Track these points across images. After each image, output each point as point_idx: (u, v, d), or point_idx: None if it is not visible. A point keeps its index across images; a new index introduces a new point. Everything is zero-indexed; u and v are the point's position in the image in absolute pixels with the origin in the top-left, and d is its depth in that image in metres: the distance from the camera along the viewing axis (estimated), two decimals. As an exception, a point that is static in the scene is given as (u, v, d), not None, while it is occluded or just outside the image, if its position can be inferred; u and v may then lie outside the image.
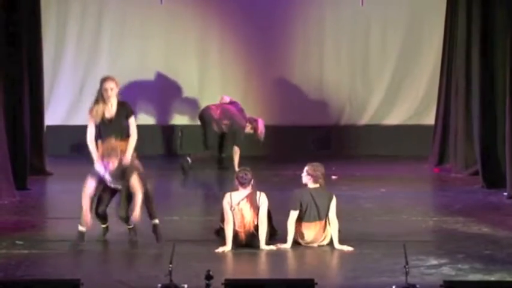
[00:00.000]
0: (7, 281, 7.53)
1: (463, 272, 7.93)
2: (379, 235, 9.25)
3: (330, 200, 8.82)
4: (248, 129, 13.01)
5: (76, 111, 14.61)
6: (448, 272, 7.95)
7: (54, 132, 14.10)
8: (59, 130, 14.37)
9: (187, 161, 12.62)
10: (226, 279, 7.26)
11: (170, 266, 7.26)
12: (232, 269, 8.06)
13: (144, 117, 14.58)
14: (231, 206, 8.67)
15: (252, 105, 14.56)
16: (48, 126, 13.49)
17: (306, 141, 14.66)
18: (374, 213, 10.32)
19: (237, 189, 8.74)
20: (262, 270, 8.30)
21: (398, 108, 14.77)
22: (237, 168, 12.02)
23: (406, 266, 7.31)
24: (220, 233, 8.83)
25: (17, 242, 8.97)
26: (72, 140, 14.13)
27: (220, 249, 8.53)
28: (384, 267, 8.07)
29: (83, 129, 14.29)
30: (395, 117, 14.78)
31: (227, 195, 8.72)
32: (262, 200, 8.74)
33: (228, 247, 8.56)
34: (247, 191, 8.71)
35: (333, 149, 14.54)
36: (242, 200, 8.69)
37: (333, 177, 12.49)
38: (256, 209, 8.70)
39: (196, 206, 11.14)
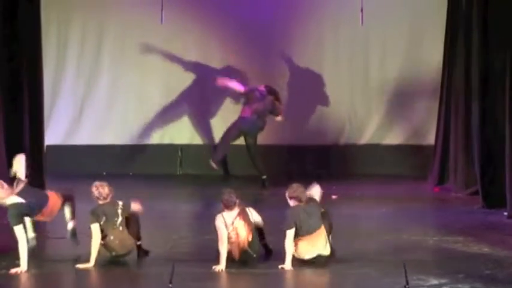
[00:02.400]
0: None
1: (464, 291, 7.93)
2: (379, 254, 9.24)
3: (317, 207, 8.86)
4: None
5: (76, 131, 14.64)
6: (449, 291, 7.95)
7: (54, 152, 14.11)
8: (58, 150, 14.39)
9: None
10: (226, 299, 7.26)
11: (170, 285, 7.26)
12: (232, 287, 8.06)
13: (145, 136, 14.61)
14: (226, 226, 8.69)
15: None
16: (48, 146, 13.50)
17: (305, 161, 14.67)
18: (374, 233, 10.31)
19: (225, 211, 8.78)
20: (261, 289, 8.29)
21: (398, 128, 14.78)
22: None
23: (407, 286, 7.31)
24: None
25: (17, 261, 8.95)
26: (72, 159, 14.14)
27: (215, 268, 8.52)
28: (384, 286, 8.05)
29: (83, 148, 14.53)
30: (395, 137, 14.80)
31: (219, 216, 8.73)
32: (255, 215, 8.85)
33: (222, 266, 8.55)
34: (236, 211, 8.75)
35: (332, 169, 14.54)
36: (235, 218, 8.72)
37: (333, 196, 12.49)
38: (250, 225, 8.74)
39: (195, 225, 11.12)
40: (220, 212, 8.77)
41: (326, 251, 8.78)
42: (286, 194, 8.89)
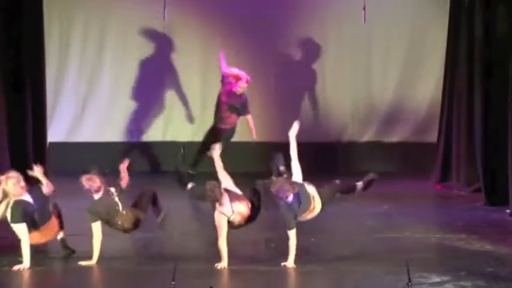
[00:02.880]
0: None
1: (466, 289, 7.93)
2: (382, 252, 9.24)
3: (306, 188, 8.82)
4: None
5: (78, 128, 14.64)
6: (451, 289, 7.95)
7: (57, 149, 14.11)
8: (61, 147, 14.39)
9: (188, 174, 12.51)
10: (228, 297, 7.27)
11: (173, 283, 7.27)
12: (235, 286, 8.05)
13: (146, 134, 14.61)
14: (228, 220, 8.70)
15: (254, 121, 14.57)
16: (50, 143, 13.50)
17: (307, 158, 14.63)
18: (376, 231, 10.31)
19: (218, 205, 8.77)
20: (264, 286, 8.28)
21: (400, 126, 14.77)
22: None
23: (409, 284, 7.31)
24: None
25: (20, 259, 8.96)
26: (74, 156, 14.14)
27: (218, 266, 8.53)
28: (386, 284, 8.05)
29: (85, 146, 14.52)
30: (397, 135, 14.79)
31: (217, 213, 8.72)
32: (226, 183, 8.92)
33: (224, 263, 8.56)
34: (226, 198, 8.75)
35: (334, 166, 14.54)
36: (231, 205, 8.74)
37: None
38: (243, 198, 8.78)
39: (197, 222, 11.12)
40: (213, 208, 8.75)
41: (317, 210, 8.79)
42: (273, 192, 8.80)
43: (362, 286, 8.05)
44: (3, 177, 8.66)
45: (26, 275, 8.45)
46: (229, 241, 9.40)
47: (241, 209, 8.74)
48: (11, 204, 8.61)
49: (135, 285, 8.40)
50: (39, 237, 8.86)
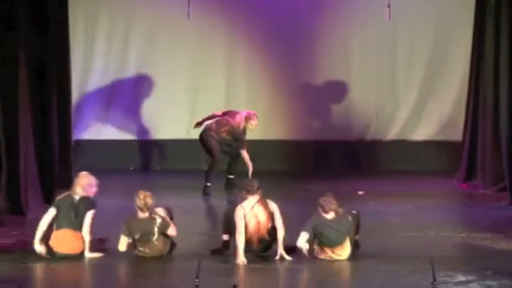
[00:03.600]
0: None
1: (492, 288, 7.89)
2: (406, 251, 9.20)
3: (348, 224, 8.78)
4: (243, 124, 12.67)
5: (103, 126, 14.69)
6: (476, 288, 7.91)
7: (82, 147, 14.17)
8: (86, 145, 14.44)
9: (207, 186, 12.46)
10: (253, 294, 7.26)
11: (197, 280, 7.27)
12: (258, 283, 8.05)
13: (172, 132, 14.63)
14: (245, 215, 8.70)
15: (278, 120, 14.59)
16: (75, 141, 13.56)
17: (332, 157, 14.65)
18: (401, 229, 10.27)
19: (245, 199, 8.80)
20: (287, 285, 8.27)
21: (425, 124, 14.71)
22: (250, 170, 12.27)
23: (434, 283, 7.27)
24: (222, 250, 8.88)
25: (45, 256, 9.00)
26: (99, 154, 14.19)
27: (238, 261, 8.54)
28: (411, 283, 8.02)
29: (110, 143, 14.56)
30: (422, 133, 14.73)
31: (239, 208, 8.77)
32: (274, 206, 8.86)
33: (241, 258, 8.57)
34: (256, 197, 8.77)
35: (359, 165, 14.50)
36: (255, 204, 8.76)
37: (360, 192, 12.47)
38: (269, 212, 8.77)
39: (221, 220, 11.09)
40: (240, 203, 8.78)
41: (344, 256, 8.76)
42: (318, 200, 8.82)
43: (387, 285, 8.02)
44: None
45: (48, 272, 8.49)
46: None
47: (260, 214, 8.74)
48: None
49: (159, 282, 8.42)
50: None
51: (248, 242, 8.73)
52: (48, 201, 11.33)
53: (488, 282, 8.01)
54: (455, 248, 9.57)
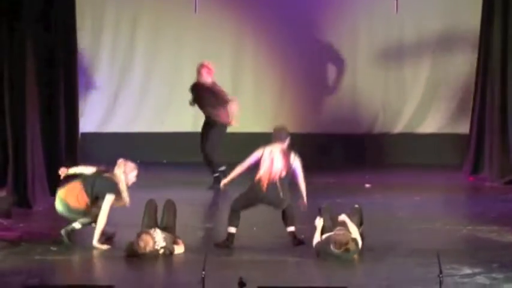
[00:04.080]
0: (42, 286, 7.59)
1: (498, 281, 7.87)
2: (413, 243, 9.20)
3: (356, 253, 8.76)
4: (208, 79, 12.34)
5: (110, 119, 14.70)
6: (483, 281, 7.89)
7: (89, 140, 14.18)
8: (93, 138, 14.46)
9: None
10: (259, 287, 7.26)
11: (203, 273, 7.27)
12: (265, 276, 8.05)
13: (178, 125, 14.63)
14: (262, 155, 8.76)
15: (285, 113, 14.56)
16: (82, 134, 13.57)
17: (339, 150, 14.63)
18: (408, 222, 10.27)
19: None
20: (294, 277, 8.27)
21: (432, 117, 14.68)
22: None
23: (440, 275, 7.26)
24: (227, 242, 8.88)
25: (52, 248, 9.03)
26: (106, 147, 14.20)
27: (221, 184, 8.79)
28: (417, 276, 8.02)
29: (117, 136, 14.57)
30: (429, 126, 14.70)
31: (260, 148, 8.86)
32: (297, 161, 8.90)
33: (226, 180, 8.87)
34: (280, 145, 8.76)
35: (366, 158, 14.49)
36: (276, 149, 8.82)
37: (366, 185, 12.47)
38: (287, 163, 8.81)
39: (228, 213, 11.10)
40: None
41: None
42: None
43: (393, 277, 8.02)
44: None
45: (56, 264, 8.51)
46: (257, 233, 9.44)
47: (277, 158, 8.82)
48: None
49: (165, 275, 8.43)
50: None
51: (258, 183, 8.79)
52: (54, 194, 11.37)
53: (494, 275, 8.01)
54: (462, 240, 9.57)
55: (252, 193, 8.97)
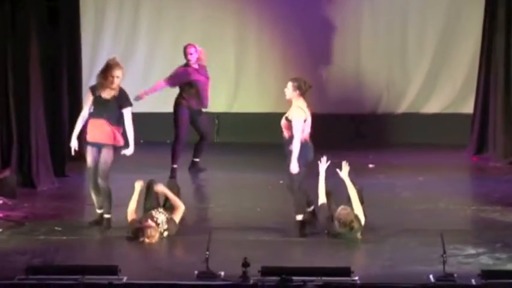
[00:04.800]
0: (46, 266, 7.63)
1: (501, 261, 7.88)
2: (416, 224, 9.21)
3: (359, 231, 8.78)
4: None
5: (114, 99, 14.69)
6: (486, 261, 7.91)
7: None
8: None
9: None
10: (263, 267, 7.28)
11: (207, 253, 7.30)
12: (269, 256, 8.07)
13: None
14: (305, 118, 8.98)
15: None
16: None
17: (343, 130, 14.61)
18: (411, 202, 10.28)
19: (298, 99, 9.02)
20: (298, 258, 8.30)
21: (436, 97, 14.66)
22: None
23: (444, 255, 7.28)
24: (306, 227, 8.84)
25: (56, 228, 9.06)
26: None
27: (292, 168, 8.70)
28: (421, 256, 8.04)
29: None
30: (433, 106, 14.68)
31: (301, 112, 8.98)
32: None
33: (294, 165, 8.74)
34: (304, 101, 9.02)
35: (369, 138, 14.48)
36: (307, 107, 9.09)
37: (370, 165, 12.46)
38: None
39: (231, 193, 11.14)
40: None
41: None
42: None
43: (396, 257, 8.03)
44: None
45: (62, 243, 8.54)
46: (261, 214, 9.45)
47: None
48: None
49: (169, 255, 8.45)
50: None
51: (306, 144, 8.94)
52: (58, 174, 11.40)
53: (497, 255, 8.03)
54: (465, 220, 9.58)
55: (310, 154, 8.96)
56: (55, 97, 11.87)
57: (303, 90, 9.03)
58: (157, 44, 14.68)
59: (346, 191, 8.83)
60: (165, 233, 8.70)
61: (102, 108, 8.96)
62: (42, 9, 11.45)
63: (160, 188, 9.03)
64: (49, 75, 11.68)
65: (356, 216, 8.61)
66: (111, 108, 8.98)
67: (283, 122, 9.05)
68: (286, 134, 9.00)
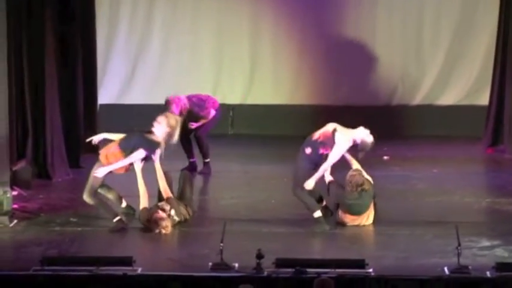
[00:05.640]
0: (61, 257, 7.66)
1: (516, 253, 7.87)
2: (431, 216, 9.20)
3: (369, 195, 8.78)
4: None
5: (129, 90, 14.70)
6: (501, 253, 7.89)
7: (107, 111, 14.20)
8: (111, 109, 14.48)
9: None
10: (277, 259, 7.29)
11: (221, 244, 7.31)
12: (283, 248, 8.08)
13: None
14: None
15: (304, 85, 14.53)
16: (101, 105, 13.60)
17: (357, 121, 14.54)
18: (426, 194, 10.26)
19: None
20: (312, 250, 8.30)
21: (451, 89, 14.60)
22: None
23: (459, 247, 7.27)
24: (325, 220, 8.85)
25: (71, 219, 9.09)
26: (124, 118, 14.22)
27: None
28: (435, 248, 8.03)
29: (135, 108, 14.58)
30: (448, 98, 14.62)
31: (348, 141, 8.98)
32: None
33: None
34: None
35: (384, 130, 14.43)
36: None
37: (385, 157, 12.44)
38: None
39: (246, 184, 11.15)
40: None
41: (369, 222, 8.78)
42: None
43: (411, 249, 8.02)
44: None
45: (75, 235, 8.56)
46: (275, 206, 9.46)
47: None
48: None
49: (184, 246, 8.47)
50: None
51: None
52: (73, 166, 11.43)
53: (512, 247, 8.01)
54: (480, 213, 9.56)
55: None
56: (70, 89, 11.89)
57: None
58: (173, 35, 14.67)
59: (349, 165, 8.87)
60: (172, 212, 8.70)
61: None
62: (58, 1, 11.46)
63: (158, 166, 8.95)
64: (64, 66, 11.70)
65: (366, 179, 8.63)
66: None
67: (326, 130, 8.92)
68: (318, 139, 8.88)
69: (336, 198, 8.78)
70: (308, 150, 8.83)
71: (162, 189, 8.85)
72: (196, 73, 14.63)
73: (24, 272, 7.20)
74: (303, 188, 8.77)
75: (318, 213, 8.77)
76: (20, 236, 8.53)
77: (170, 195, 8.83)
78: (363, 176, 8.72)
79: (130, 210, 9.07)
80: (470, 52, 14.46)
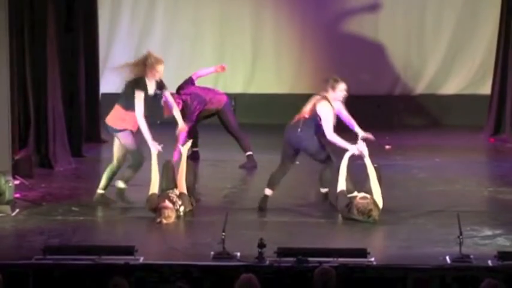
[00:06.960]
0: (63, 246, 7.66)
1: (518, 243, 7.87)
2: (433, 205, 9.20)
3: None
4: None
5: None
6: (503, 242, 7.89)
7: (109, 100, 14.16)
8: (113, 98, 14.42)
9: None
10: (279, 248, 7.29)
11: (223, 234, 7.31)
12: (285, 237, 8.08)
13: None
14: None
15: (306, 74, 14.51)
16: (103, 94, 13.60)
17: (359, 112, 14.54)
18: (428, 183, 10.26)
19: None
20: (314, 239, 8.30)
21: (454, 78, 14.60)
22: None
23: (460, 237, 7.27)
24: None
25: (73, 208, 9.10)
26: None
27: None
28: (437, 237, 8.03)
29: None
30: (451, 87, 14.62)
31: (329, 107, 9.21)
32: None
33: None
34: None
35: (386, 119, 14.44)
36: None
37: (387, 146, 12.43)
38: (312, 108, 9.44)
39: (248, 174, 11.16)
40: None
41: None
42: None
43: (413, 239, 8.02)
44: None
45: (78, 224, 8.57)
46: (277, 195, 9.46)
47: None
48: None
49: (185, 235, 8.47)
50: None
51: None
52: (75, 155, 11.44)
53: (514, 237, 8.01)
54: (482, 202, 9.56)
55: None
56: (72, 78, 11.89)
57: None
58: (175, 24, 14.66)
59: (365, 170, 8.80)
60: (181, 208, 8.71)
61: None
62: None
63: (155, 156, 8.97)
64: (66, 54, 11.69)
65: (375, 204, 8.56)
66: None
67: (311, 105, 9.30)
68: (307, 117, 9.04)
69: (341, 213, 8.72)
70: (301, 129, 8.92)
71: (178, 182, 8.85)
72: (199, 62, 14.60)
73: (26, 261, 7.20)
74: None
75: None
76: (22, 225, 8.54)
77: (184, 190, 8.82)
78: (371, 204, 8.59)
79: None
80: (473, 41, 14.44)
